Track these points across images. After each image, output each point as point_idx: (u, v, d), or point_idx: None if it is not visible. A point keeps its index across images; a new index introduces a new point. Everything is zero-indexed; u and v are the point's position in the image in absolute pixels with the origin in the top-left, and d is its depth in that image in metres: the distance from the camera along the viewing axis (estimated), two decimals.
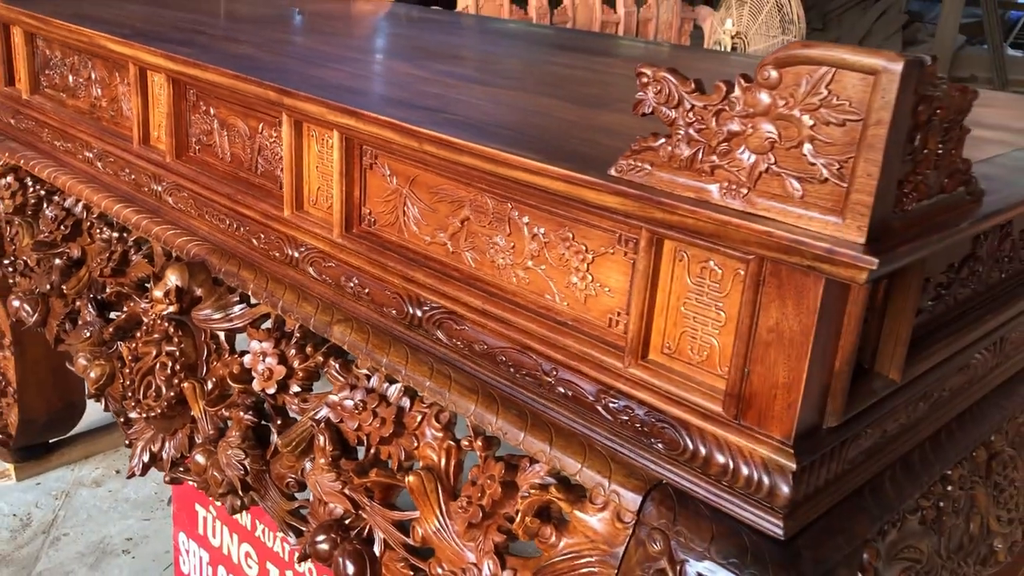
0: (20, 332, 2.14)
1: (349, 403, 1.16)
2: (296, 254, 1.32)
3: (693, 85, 0.79)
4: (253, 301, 1.38)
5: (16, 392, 2.19)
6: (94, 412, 2.47)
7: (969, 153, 0.87)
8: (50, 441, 2.40)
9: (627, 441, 0.95)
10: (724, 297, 0.86)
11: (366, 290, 1.22)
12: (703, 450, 0.89)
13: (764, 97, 0.75)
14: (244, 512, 1.36)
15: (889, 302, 0.91)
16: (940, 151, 0.78)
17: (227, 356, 1.38)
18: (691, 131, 0.80)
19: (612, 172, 0.87)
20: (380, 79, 1.35)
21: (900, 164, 0.73)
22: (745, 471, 0.86)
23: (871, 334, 0.92)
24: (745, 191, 0.78)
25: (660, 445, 0.92)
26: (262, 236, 1.38)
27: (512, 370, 1.05)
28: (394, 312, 1.18)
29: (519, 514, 0.98)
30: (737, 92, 0.77)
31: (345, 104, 1.13)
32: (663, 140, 0.82)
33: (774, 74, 0.74)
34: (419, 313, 1.15)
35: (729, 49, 4.64)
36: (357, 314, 1.23)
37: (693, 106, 0.80)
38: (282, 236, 1.34)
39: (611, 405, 0.96)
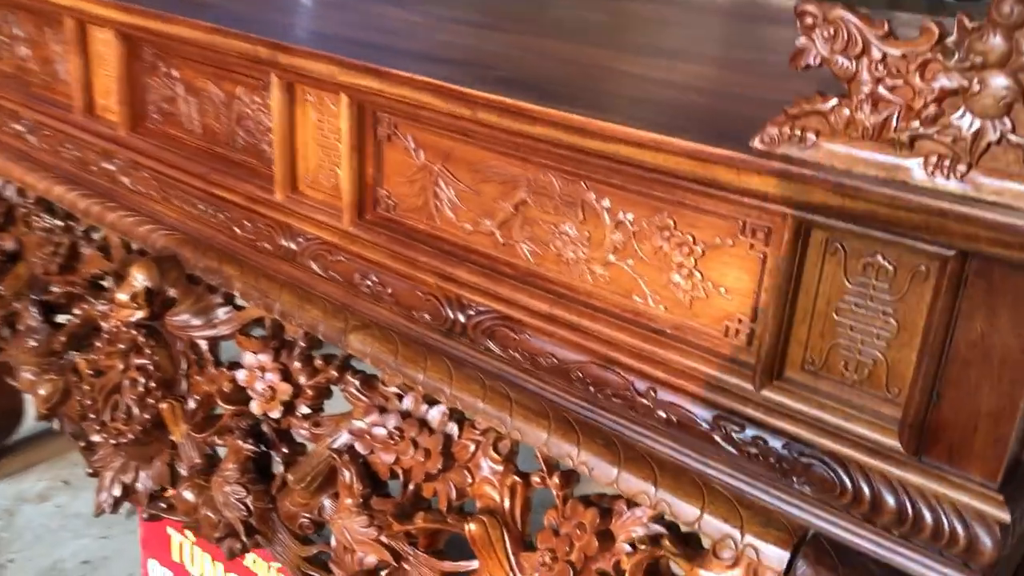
0: None
1: (380, 431, 0.95)
2: (293, 245, 1.09)
3: (886, 27, 0.59)
4: (240, 302, 1.15)
5: None
6: (34, 416, 2.20)
7: None
8: None
9: (759, 479, 0.76)
10: (898, 301, 0.67)
11: (388, 290, 1.00)
12: (867, 492, 0.70)
13: (998, 41, 0.55)
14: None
15: None
16: None
17: (212, 369, 1.15)
18: (881, 89, 0.60)
19: (757, 144, 0.66)
20: (375, 28, 1.12)
21: None
22: (929, 520, 0.68)
23: None
24: (964, 168, 0.58)
25: (807, 486, 0.73)
26: (247, 224, 1.14)
27: (593, 390, 0.85)
28: (428, 317, 0.97)
29: (624, 575, 0.79)
30: (955, 35, 0.57)
31: (362, 61, 0.90)
32: (836, 101, 0.62)
33: (1018, 8, 0.54)
34: (462, 318, 0.94)
35: None
36: (378, 319, 1.01)
37: (885, 55, 0.59)
38: (273, 224, 1.11)
39: (735, 435, 0.77)
